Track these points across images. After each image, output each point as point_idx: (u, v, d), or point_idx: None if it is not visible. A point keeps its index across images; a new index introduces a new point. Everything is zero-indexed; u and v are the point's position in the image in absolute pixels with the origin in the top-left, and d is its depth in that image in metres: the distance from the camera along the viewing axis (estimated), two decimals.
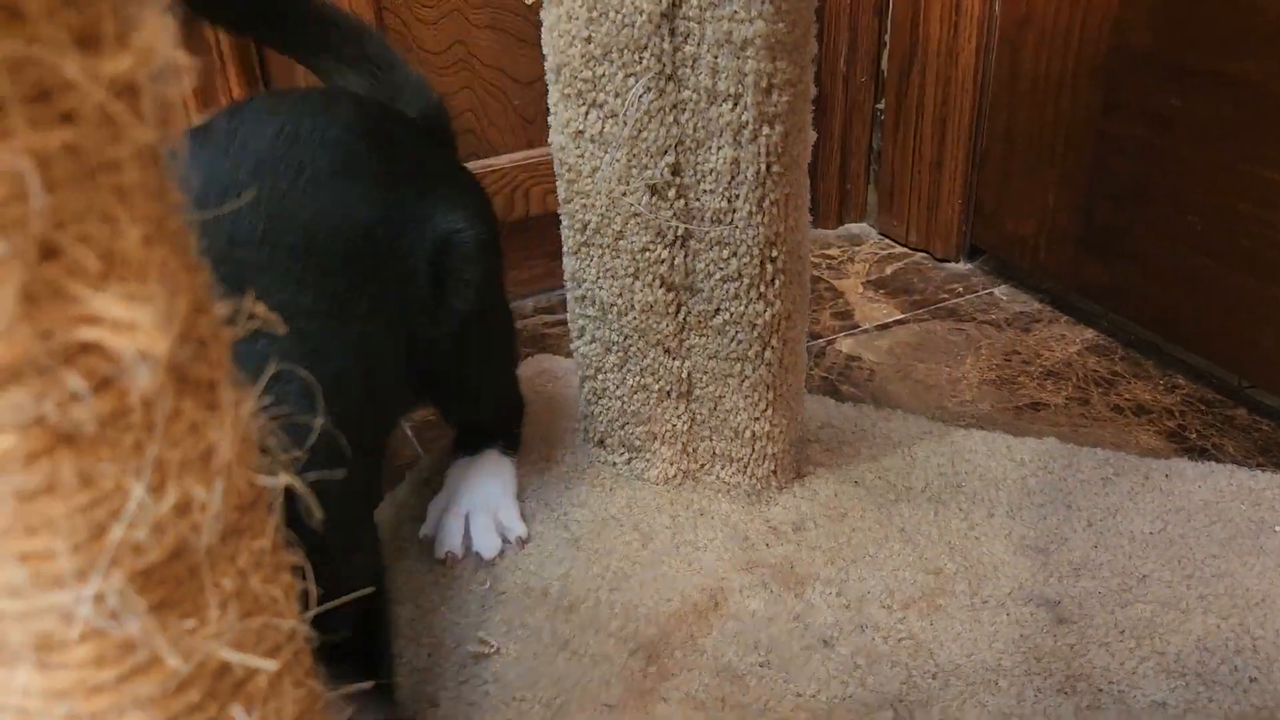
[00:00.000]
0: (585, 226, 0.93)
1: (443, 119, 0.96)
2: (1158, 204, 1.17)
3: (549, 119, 0.91)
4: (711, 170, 0.86)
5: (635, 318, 0.94)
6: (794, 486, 1.00)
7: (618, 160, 0.87)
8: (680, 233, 0.89)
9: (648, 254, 0.91)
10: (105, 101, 0.24)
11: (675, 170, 0.87)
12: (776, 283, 0.90)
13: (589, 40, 0.84)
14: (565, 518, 0.97)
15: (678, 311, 0.93)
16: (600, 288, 0.95)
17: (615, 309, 0.95)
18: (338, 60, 0.93)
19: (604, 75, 0.85)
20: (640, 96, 0.84)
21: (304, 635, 0.34)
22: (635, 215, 0.89)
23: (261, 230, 0.71)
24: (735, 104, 0.83)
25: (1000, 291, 1.39)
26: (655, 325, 0.94)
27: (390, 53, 0.94)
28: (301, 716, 0.34)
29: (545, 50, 0.88)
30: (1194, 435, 1.08)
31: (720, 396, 0.96)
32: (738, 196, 0.86)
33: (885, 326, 1.32)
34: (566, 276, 0.97)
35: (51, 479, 0.25)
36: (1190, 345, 1.19)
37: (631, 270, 0.92)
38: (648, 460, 1.01)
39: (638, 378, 0.97)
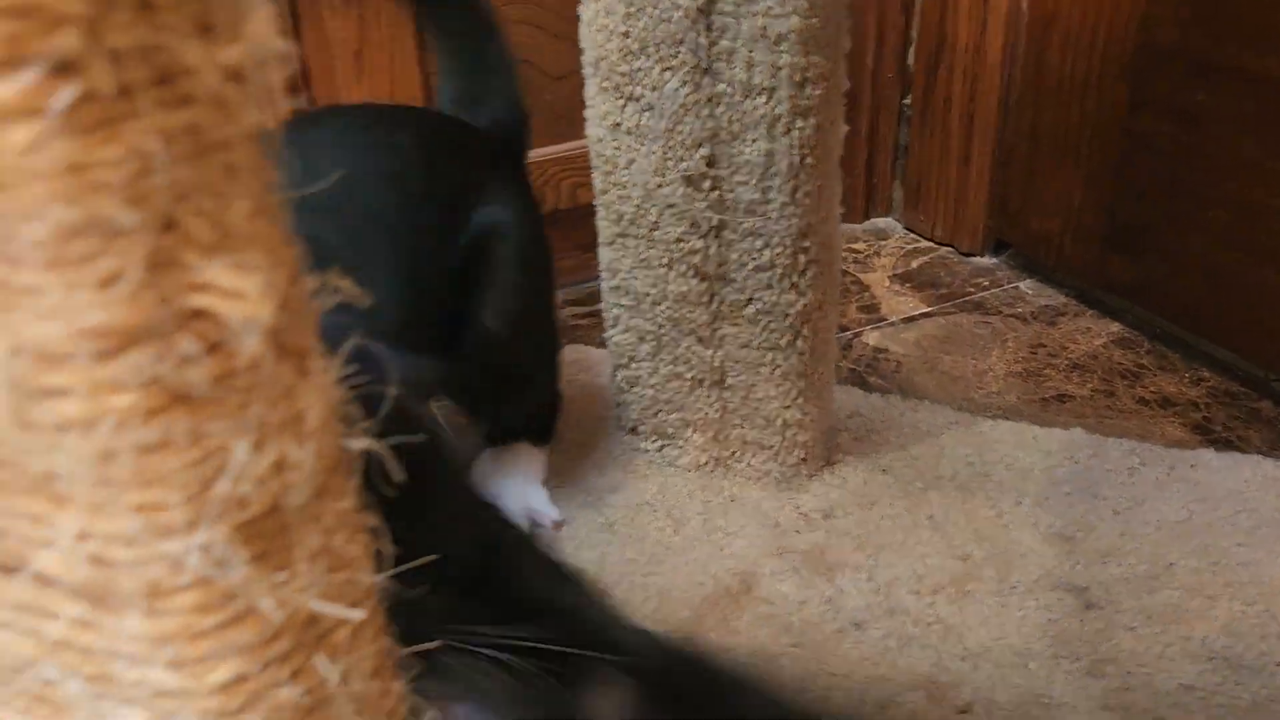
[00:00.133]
0: (621, 218, 0.94)
1: (516, 130, 0.98)
2: (1183, 200, 1.18)
3: (586, 112, 0.93)
4: (746, 162, 0.87)
5: (669, 307, 0.96)
6: (824, 474, 1.01)
7: (654, 152, 0.89)
8: (715, 223, 0.91)
9: (682, 244, 0.92)
10: (219, 85, 0.26)
11: (710, 162, 0.88)
12: (809, 273, 0.91)
13: (626, 35, 0.86)
14: (599, 503, 0.99)
15: (711, 301, 0.95)
16: (635, 278, 0.96)
17: (649, 299, 0.97)
18: (445, 30, 0.96)
19: (641, 69, 0.87)
20: (676, 90, 0.86)
21: (382, 592, 0.36)
22: (670, 206, 0.91)
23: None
24: (770, 97, 0.85)
25: (1026, 285, 1.40)
26: (688, 315, 0.96)
27: (504, 53, 0.98)
28: (378, 670, 0.36)
29: (583, 44, 0.90)
30: (1219, 427, 1.09)
31: (752, 385, 0.97)
32: (771, 188, 0.88)
33: (912, 319, 1.34)
34: (601, 267, 0.99)
35: (166, 435, 0.27)
36: (1215, 339, 1.20)
37: (666, 260, 0.94)
38: (680, 447, 1.03)
39: (670, 366, 0.99)
